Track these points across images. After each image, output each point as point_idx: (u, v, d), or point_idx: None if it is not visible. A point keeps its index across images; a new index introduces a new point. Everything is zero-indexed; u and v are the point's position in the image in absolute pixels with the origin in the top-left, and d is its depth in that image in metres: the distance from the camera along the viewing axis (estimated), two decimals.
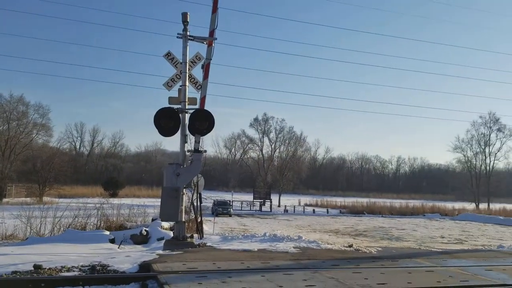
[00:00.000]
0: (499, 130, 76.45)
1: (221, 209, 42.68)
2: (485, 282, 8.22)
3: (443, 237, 25.37)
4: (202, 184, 15.34)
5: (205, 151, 14.03)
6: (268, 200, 58.06)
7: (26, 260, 9.09)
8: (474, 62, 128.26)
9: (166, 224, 16.08)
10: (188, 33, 13.00)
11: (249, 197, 61.49)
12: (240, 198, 59.46)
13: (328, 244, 13.48)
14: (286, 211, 54.05)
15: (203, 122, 12.28)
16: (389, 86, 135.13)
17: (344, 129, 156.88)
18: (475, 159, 78.68)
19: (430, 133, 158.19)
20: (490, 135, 77.24)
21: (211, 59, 13.21)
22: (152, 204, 27.64)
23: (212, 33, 13.11)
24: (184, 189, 12.78)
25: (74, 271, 8.37)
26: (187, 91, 12.93)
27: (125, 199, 38.91)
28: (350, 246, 13.00)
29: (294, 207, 56.79)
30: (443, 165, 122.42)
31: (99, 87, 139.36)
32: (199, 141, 12.61)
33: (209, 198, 54.06)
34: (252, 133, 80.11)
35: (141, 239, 14.15)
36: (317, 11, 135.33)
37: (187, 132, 12.72)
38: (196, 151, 12.43)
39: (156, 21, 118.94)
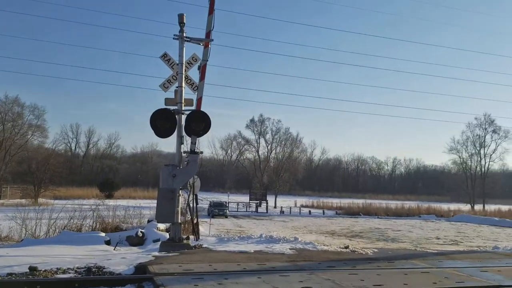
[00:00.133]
0: (494, 131, 76.77)
1: (217, 210, 42.60)
2: (481, 283, 8.25)
3: (438, 238, 25.42)
4: (198, 185, 15.34)
5: (201, 152, 14.04)
6: (264, 201, 58.04)
7: (21, 262, 9.05)
8: (470, 64, 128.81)
9: (162, 226, 16.05)
10: (184, 35, 13.00)
11: (245, 198, 61.46)
12: (236, 199, 59.41)
13: (324, 245, 13.49)
14: (282, 212, 54.05)
15: (199, 123, 12.27)
16: (385, 87, 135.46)
17: (340, 130, 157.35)
18: (470, 160, 78.98)
19: (425, 135, 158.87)
20: (485, 137, 77.57)
21: (207, 61, 13.21)
22: (148, 205, 27.55)
23: (208, 34, 13.11)
24: (180, 191, 12.77)
25: (69, 273, 8.33)
26: (183, 92, 12.92)
27: (121, 201, 38.81)
28: (346, 247, 13.01)
29: (290, 208, 56.79)
30: (438, 167, 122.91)
31: (95, 88, 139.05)
32: (195, 142, 12.61)
33: (205, 199, 54.06)
34: (248, 134, 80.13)
35: (137, 241, 14.13)
36: (316, 15, 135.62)
37: (183, 133, 12.71)
38: (192, 152, 12.42)
39: (153, 22, 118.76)
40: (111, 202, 26.13)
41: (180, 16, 13.06)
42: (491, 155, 77.58)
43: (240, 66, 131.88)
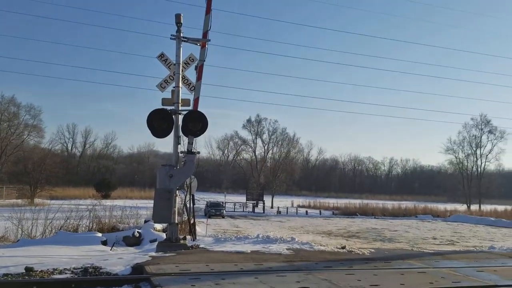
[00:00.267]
0: (490, 132, 77.16)
1: (214, 210, 42.59)
2: (477, 283, 8.27)
3: (435, 238, 25.50)
4: (195, 185, 15.32)
5: (198, 152, 14.03)
6: (261, 202, 58.08)
7: (18, 262, 9.01)
8: (467, 65, 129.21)
9: (158, 226, 16.03)
10: (181, 35, 12.99)
11: (242, 198, 61.49)
12: (233, 200, 59.41)
13: (321, 245, 13.50)
14: (279, 212, 54.10)
15: (196, 124, 12.26)
16: (382, 88, 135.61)
17: (337, 131, 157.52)
18: (467, 160, 79.35)
19: (422, 135, 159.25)
20: (481, 137, 77.94)
21: (204, 61, 13.22)
22: (144, 205, 27.51)
23: (205, 34, 13.12)
24: (177, 191, 12.75)
25: (66, 273, 8.31)
26: (180, 92, 12.91)
27: (118, 201, 38.74)
28: (343, 247, 13.03)
29: (287, 208, 56.84)
30: (435, 167, 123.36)
31: (92, 88, 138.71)
32: (192, 143, 12.59)
33: (202, 199, 53.99)
34: (245, 134, 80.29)
35: (134, 241, 14.10)
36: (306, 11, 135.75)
37: (180, 133, 12.70)
38: (189, 152, 12.41)
39: (150, 22, 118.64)
40: (107, 202, 26.11)
41: (177, 16, 13.05)
42: (487, 155, 78.04)
43: (237, 66, 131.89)
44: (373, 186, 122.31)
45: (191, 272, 8.40)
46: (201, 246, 12.84)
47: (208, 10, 13.11)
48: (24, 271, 8.23)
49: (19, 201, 43.96)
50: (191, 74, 13.56)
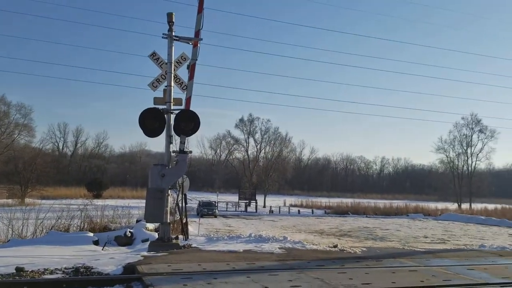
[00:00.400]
0: (480, 131, 77.81)
1: (206, 210, 42.50)
2: (467, 281, 8.35)
3: (426, 237, 25.65)
4: (187, 185, 15.28)
5: (191, 152, 14.00)
6: (254, 201, 58.05)
7: (8, 262, 8.94)
8: (460, 65, 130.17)
9: (151, 226, 15.98)
10: (173, 34, 12.95)
11: (234, 198, 61.44)
12: (225, 199, 59.31)
13: (313, 244, 13.54)
14: (271, 211, 54.12)
15: (188, 123, 12.23)
16: (375, 87, 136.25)
17: (329, 130, 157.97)
18: (458, 159, 79.97)
19: (413, 134, 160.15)
20: (472, 136, 78.58)
21: (196, 60, 13.19)
22: (136, 205, 27.41)
23: (197, 33, 13.09)
24: (169, 190, 12.72)
25: (57, 273, 8.26)
26: (172, 91, 12.87)
27: (109, 200, 38.56)
28: (335, 246, 13.08)
29: (279, 207, 56.88)
30: (426, 166, 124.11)
31: (83, 87, 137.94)
32: (185, 142, 12.56)
33: (194, 199, 53.84)
34: (238, 133, 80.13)
35: (126, 241, 14.04)
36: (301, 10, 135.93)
37: (172, 132, 12.66)
38: (181, 152, 12.37)
39: (141, 20, 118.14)
40: (99, 202, 25.97)
41: (169, 15, 13.00)
42: (477, 154, 78.71)
43: (230, 65, 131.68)
44: (365, 185, 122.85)
45: (183, 271, 8.39)
46: (193, 245, 12.82)
47: (200, 9, 13.08)
48: (14, 271, 8.17)
49: (10, 201, 43.66)
50: (183, 73, 13.54)
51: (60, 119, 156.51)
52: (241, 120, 77.68)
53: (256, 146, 77.41)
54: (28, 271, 8.25)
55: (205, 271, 8.47)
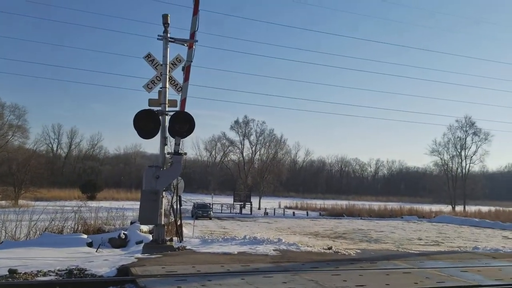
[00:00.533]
0: (474, 133, 78.25)
1: (201, 212, 42.44)
2: (461, 283, 8.38)
3: (420, 239, 25.74)
4: (182, 186, 15.25)
5: (185, 153, 13.96)
6: (248, 203, 58.06)
7: (1, 264, 8.88)
8: (452, 67, 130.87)
9: (145, 228, 15.93)
10: (168, 35, 12.94)
11: (229, 199, 61.39)
12: (220, 201, 59.26)
13: (307, 246, 13.55)
14: (266, 213, 54.14)
15: (183, 125, 12.21)
16: (370, 90, 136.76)
17: (324, 132, 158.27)
18: (452, 162, 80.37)
19: (408, 137, 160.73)
20: (466, 139, 79.02)
21: (192, 61, 13.16)
22: (131, 207, 27.31)
23: (193, 35, 13.07)
24: (164, 192, 12.68)
25: (50, 275, 8.21)
26: (167, 93, 12.85)
27: (104, 202, 38.44)
28: (330, 248, 13.10)
29: (274, 209, 56.92)
30: (420, 168, 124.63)
31: (78, 89, 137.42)
32: (179, 144, 12.54)
33: (189, 201, 53.67)
34: (233, 135, 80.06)
35: (120, 243, 13.98)
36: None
37: (167, 134, 12.64)
38: (176, 153, 12.35)
39: (136, 22, 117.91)
40: (93, 203, 25.85)
41: (164, 17, 13.00)
42: (471, 157, 79.13)
43: (225, 67, 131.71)
44: (360, 187, 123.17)
45: (177, 273, 8.37)
46: (187, 247, 12.79)
47: (196, 11, 13.07)
48: (7, 273, 8.12)
49: (3, 202, 43.34)
50: (178, 75, 13.52)
51: (55, 120, 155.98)
52: (236, 122, 77.70)
53: (251, 148, 77.44)
54: (21, 273, 8.20)
55: (200, 273, 8.45)
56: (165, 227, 13.36)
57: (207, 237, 16.90)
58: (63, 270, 8.58)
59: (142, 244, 12.66)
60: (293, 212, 56.18)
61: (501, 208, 60.83)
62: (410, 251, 14.68)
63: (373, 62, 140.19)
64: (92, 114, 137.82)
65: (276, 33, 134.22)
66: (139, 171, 78.23)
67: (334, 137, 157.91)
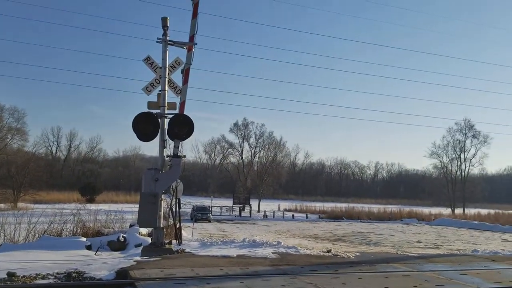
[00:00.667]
0: (474, 136, 78.18)
1: (200, 214, 42.39)
2: (460, 286, 8.37)
3: (420, 242, 25.74)
4: (181, 189, 15.25)
5: (184, 156, 13.97)
6: (248, 206, 57.99)
7: (0, 267, 8.87)
8: (452, 71, 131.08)
9: (144, 230, 15.92)
10: (168, 38, 12.97)
11: (228, 202, 61.32)
12: (219, 204, 59.22)
13: (307, 249, 13.53)
14: (265, 216, 54.07)
15: (182, 127, 12.22)
16: (369, 92, 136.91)
17: (324, 135, 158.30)
18: (451, 165, 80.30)
19: (407, 139, 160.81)
20: (465, 142, 78.94)
21: (191, 64, 13.19)
22: (130, 210, 27.30)
23: (192, 38, 13.10)
24: (163, 195, 12.68)
25: (49, 278, 8.20)
26: (166, 95, 12.88)
27: (103, 205, 38.34)
28: (329, 251, 13.08)
29: (274, 212, 56.84)
30: (420, 171, 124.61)
31: (77, 91, 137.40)
32: (179, 146, 12.55)
33: (188, 203, 53.68)
34: (232, 138, 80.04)
35: (119, 246, 13.98)
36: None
37: (166, 137, 12.65)
38: (175, 156, 12.36)
39: (135, 25, 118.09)
40: (92, 206, 25.80)
41: (164, 20, 13.04)
42: (471, 159, 79.01)
43: (224, 70, 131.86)
44: (359, 190, 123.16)
45: (176, 276, 8.35)
46: (186, 250, 12.77)
47: (195, 14, 13.10)
48: (6, 276, 8.11)
49: (2, 205, 43.25)
50: (177, 78, 13.54)
51: (54, 123, 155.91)
52: (236, 124, 77.68)
53: (251, 151, 77.40)
54: (19, 276, 8.19)
55: (198, 276, 8.44)
56: (164, 230, 13.35)
57: (206, 240, 16.88)
58: (62, 273, 8.57)
59: (141, 247, 12.65)
60: (293, 215, 56.11)
61: (500, 211, 60.85)
62: (409, 254, 14.68)
63: (373, 65, 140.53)
64: (91, 116, 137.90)
65: (275, 36, 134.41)
66: (138, 173, 78.08)
67: (333, 139, 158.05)
